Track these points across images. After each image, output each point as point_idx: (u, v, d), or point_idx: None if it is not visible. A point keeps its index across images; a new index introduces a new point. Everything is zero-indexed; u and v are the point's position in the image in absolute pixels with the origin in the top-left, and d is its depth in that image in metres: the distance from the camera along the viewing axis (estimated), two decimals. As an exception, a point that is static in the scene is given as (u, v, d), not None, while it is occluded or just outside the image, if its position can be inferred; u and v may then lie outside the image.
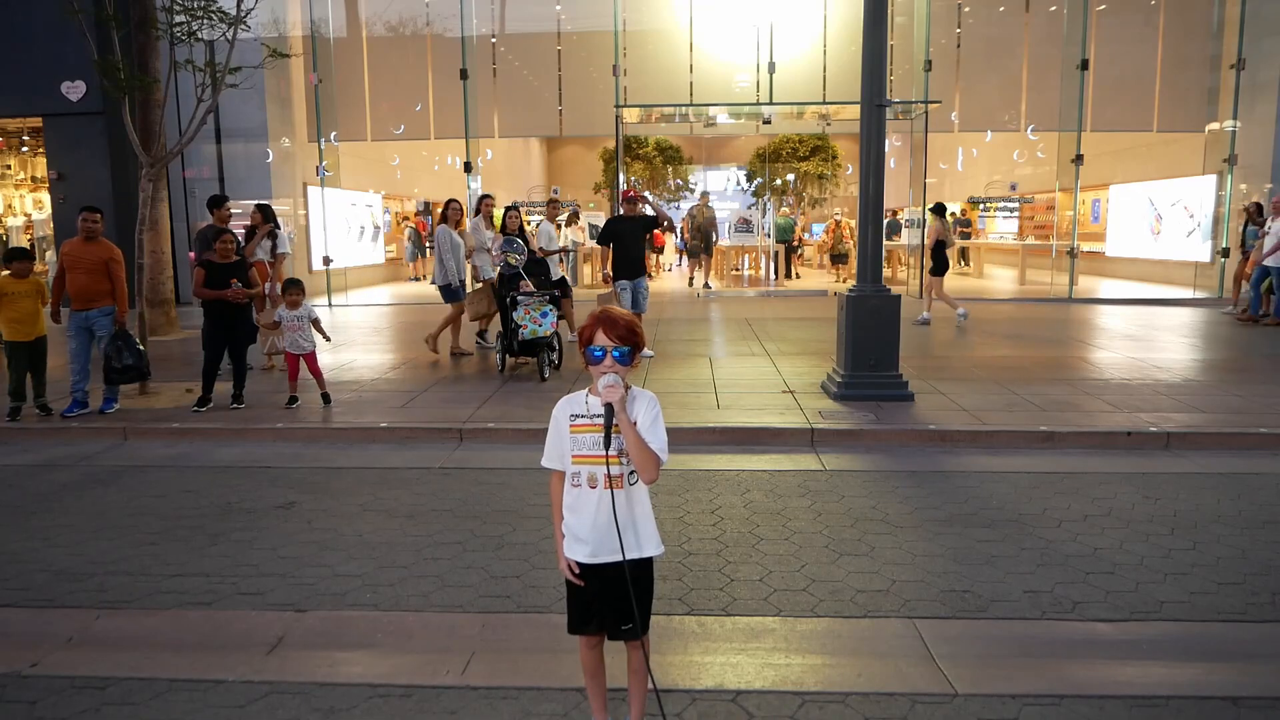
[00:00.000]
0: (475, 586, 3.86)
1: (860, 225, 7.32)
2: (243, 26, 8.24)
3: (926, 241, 11.90)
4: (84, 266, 6.88)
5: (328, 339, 7.48)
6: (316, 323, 7.34)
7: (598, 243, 10.78)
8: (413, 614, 3.62)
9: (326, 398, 7.28)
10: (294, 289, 7.30)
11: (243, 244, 9.00)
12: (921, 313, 11.93)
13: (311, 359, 7.28)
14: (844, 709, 2.88)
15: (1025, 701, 2.90)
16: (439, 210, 11.23)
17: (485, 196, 10.12)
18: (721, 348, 10.05)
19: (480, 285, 9.88)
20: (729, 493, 5.13)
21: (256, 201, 10.04)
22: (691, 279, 18.49)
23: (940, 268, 11.62)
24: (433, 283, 9.94)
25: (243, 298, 7.05)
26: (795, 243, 20.66)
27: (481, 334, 10.34)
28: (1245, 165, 15.13)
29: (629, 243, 9.22)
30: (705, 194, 18.74)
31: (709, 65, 16.01)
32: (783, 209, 21.37)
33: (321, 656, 3.27)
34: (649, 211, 9.48)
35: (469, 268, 10.01)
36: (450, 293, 9.52)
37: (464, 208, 9.82)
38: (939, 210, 11.89)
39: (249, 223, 9.37)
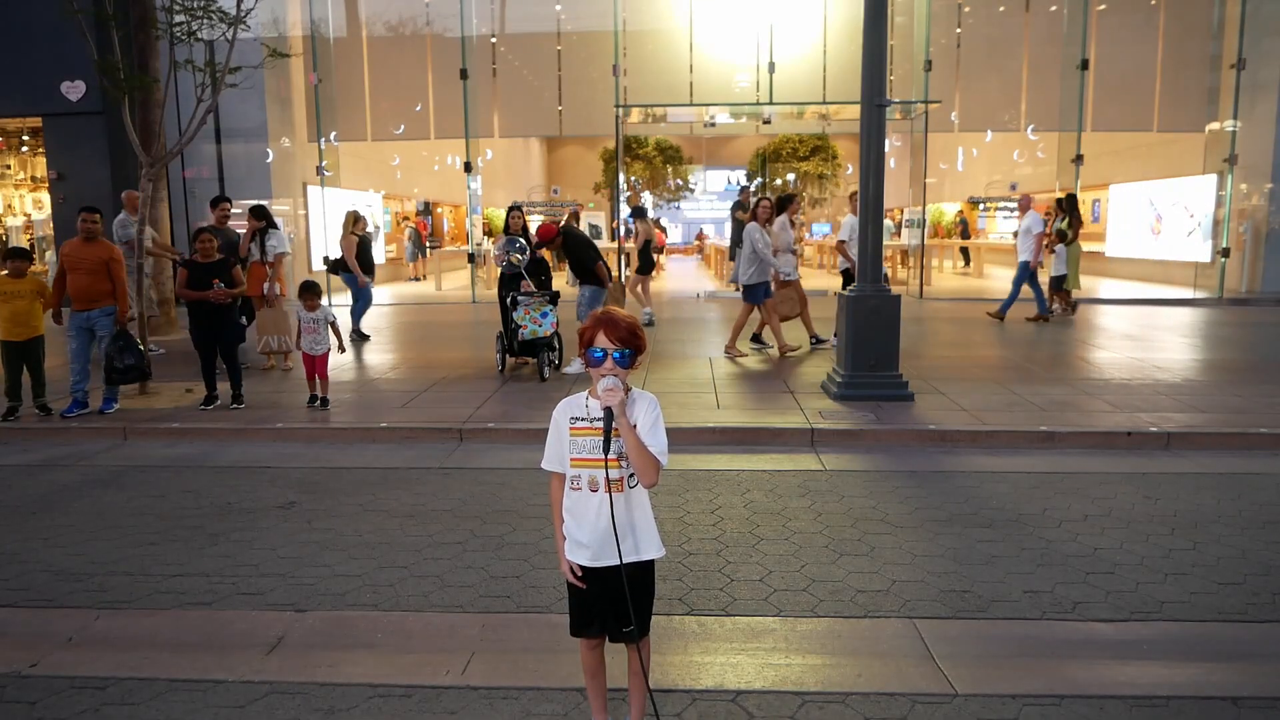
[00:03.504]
0: (475, 586, 3.86)
1: (860, 225, 7.32)
2: (243, 26, 8.23)
3: (635, 244, 12.35)
4: (85, 267, 6.87)
5: (342, 349, 7.40)
6: (333, 325, 7.32)
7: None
8: (413, 614, 3.62)
9: (325, 402, 7.17)
10: (310, 293, 7.26)
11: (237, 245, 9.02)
12: (643, 310, 12.27)
13: (322, 361, 7.22)
14: (844, 709, 2.88)
15: (1025, 701, 2.90)
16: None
17: (790, 197, 9.98)
18: (721, 348, 10.04)
19: (786, 286, 9.68)
20: (729, 493, 5.13)
21: (254, 202, 10.04)
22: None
23: (646, 267, 12.21)
24: (732, 279, 9.71)
25: (224, 298, 7.01)
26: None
27: (756, 336, 9.99)
28: (1245, 165, 15.15)
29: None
30: (745, 189, 17.37)
31: (709, 65, 16.01)
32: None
33: (321, 656, 3.27)
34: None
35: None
36: (757, 292, 9.19)
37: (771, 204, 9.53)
38: (641, 213, 12.43)
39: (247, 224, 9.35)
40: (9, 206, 17.58)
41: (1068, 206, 12.86)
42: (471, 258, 16.86)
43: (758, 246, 9.08)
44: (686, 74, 15.77)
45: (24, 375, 6.95)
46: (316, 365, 7.19)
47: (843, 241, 10.18)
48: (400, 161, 20.69)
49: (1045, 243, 12.19)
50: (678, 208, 28.24)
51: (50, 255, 15.95)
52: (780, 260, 9.47)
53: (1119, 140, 17.67)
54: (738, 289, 9.97)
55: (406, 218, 22.07)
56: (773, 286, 9.41)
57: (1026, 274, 11.89)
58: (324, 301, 7.44)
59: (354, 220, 10.90)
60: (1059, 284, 12.61)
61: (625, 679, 2.71)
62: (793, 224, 10.03)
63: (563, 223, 10.80)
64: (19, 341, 6.82)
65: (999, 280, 19.55)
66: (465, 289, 16.84)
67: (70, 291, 6.91)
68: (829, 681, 3.05)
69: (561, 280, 10.06)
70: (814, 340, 10.03)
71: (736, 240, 16.14)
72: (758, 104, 16.17)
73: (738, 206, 15.59)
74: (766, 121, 18.00)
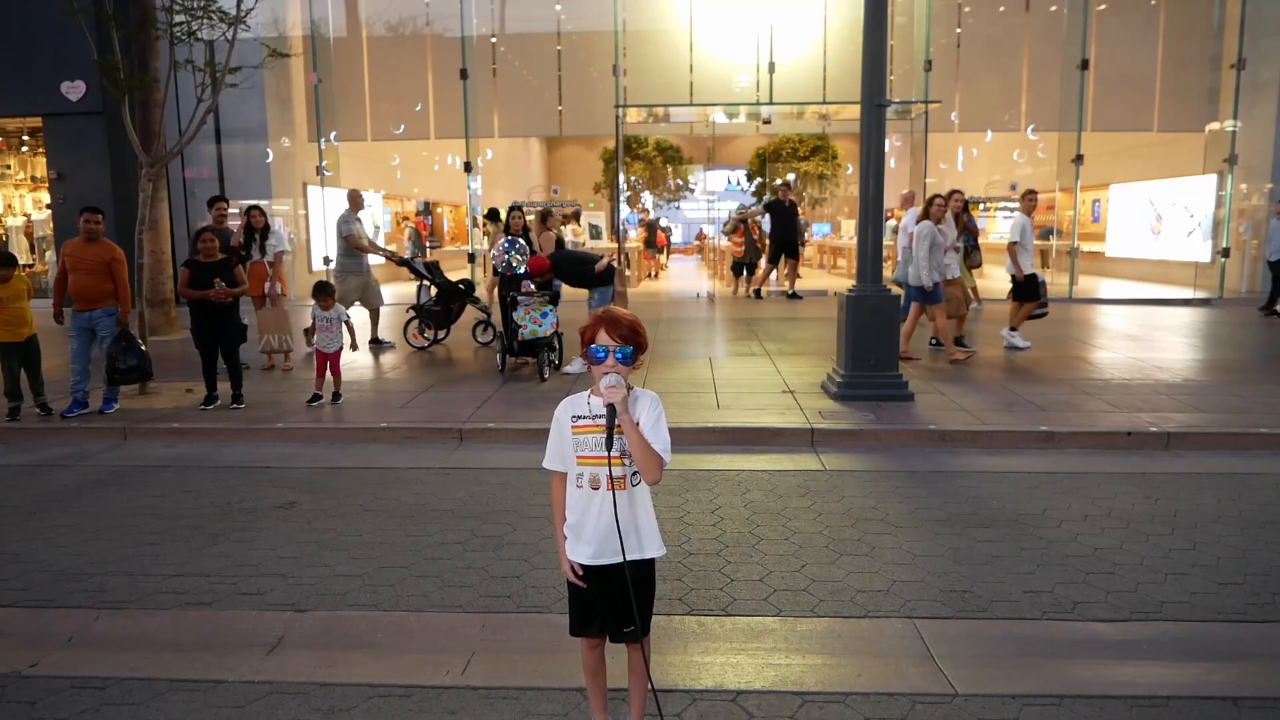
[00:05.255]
0: (475, 586, 3.86)
1: (860, 225, 7.32)
2: (243, 26, 8.24)
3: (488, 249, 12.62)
4: (86, 267, 6.87)
5: (354, 347, 7.49)
6: (347, 324, 7.41)
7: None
8: (413, 614, 3.62)
9: (337, 396, 7.35)
10: (325, 294, 7.34)
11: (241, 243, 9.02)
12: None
13: (335, 358, 7.34)
14: (844, 709, 2.88)
15: (1025, 701, 2.90)
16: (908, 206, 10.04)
17: (956, 191, 9.56)
18: (721, 348, 10.05)
19: (949, 285, 9.26)
20: (729, 493, 5.13)
21: (252, 202, 10.04)
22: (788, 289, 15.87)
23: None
24: (896, 280, 9.39)
25: (225, 297, 7.02)
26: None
27: (959, 339, 9.70)
28: (1245, 165, 15.15)
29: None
30: (786, 185, 16.32)
31: (709, 65, 16.00)
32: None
33: (321, 656, 3.27)
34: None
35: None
36: (929, 294, 8.84)
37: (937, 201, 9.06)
38: (494, 215, 12.44)
39: (251, 223, 9.32)
40: (9, 206, 17.57)
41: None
42: (471, 257, 16.87)
43: (920, 248, 8.71)
44: (686, 74, 15.76)
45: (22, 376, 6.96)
46: (330, 362, 7.25)
47: (1014, 244, 9.56)
48: (400, 161, 20.69)
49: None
50: (678, 208, 28.19)
51: (50, 255, 15.95)
52: (946, 257, 9.07)
53: (1119, 140, 17.66)
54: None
55: (406, 218, 22.04)
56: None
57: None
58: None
59: (546, 216, 11.00)
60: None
61: (625, 679, 2.71)
62: (956, 219, 9.66)
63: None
64: (17, 342, 6.83)
65: (998, 280, 19.52)
66: (465, 289, 16.83)
67: (71, 291, 6.90)
68: (829, 681, 3.05)
69: None
70: (956, 342, 9.60)
71: (780, 236, 15.54)
72: (757, 104, 16.16)
73: (774, 205, 15.16)
74: (766, 121, 17.99)
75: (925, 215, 8.91)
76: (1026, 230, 9.68)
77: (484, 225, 12.90)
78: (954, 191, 9.52)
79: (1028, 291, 9.62)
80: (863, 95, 7.01)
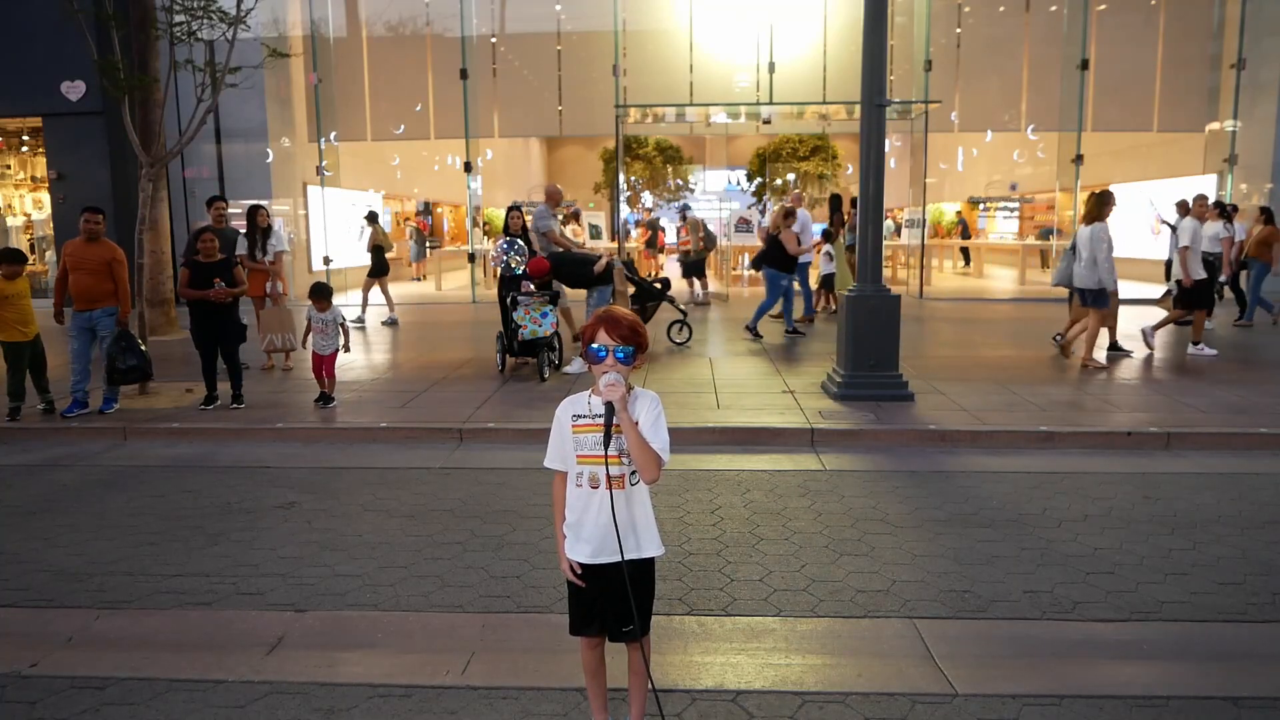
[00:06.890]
0: (475, 586, 3.86)
1: (860, 225, 7.32)
2: (243, 26, 8.24)
3: (368, 246, 12.80)
4: (87, 267, 6.87)
5: (347, 349, 7.45)
6: (343, 326, 7.37)
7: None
8: (413, 614, 3.62)
9: (329, 399, 7.28)
10: (322, 295, 7.31)
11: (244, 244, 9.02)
12: (389, 314, 12.84)
13: (330, 360, 7.30)
14: (844, 709, 2.88)
15: (1025, 701, 2.90)
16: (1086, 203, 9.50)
17: (1108, 193, 9.31)
18: (721, 347, 10.05)
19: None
20: (729, 493, 5.13)
21: (253, 202, 10.03)
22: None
23: (379, 269, 12.63)
24: (1057, 283, 9.34)
25: (225, 297, 7.01)
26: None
27: (1114, 344, 9.63)
28: (1245, 165, 15.16)
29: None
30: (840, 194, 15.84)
31: (709, 65, 16.01)
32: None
33: (321, 656, 3.27)
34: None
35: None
36: (1102, 297, 8.80)
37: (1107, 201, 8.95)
38: (373, 218, 12.82)
39: (258, 221, 9.29)
40: (9, 206, 17.57)
41: (831, 207, 12.95)
42: (471, 257, 16.87)
43: (1100, 251, 8.55)
44: (686, 74, 15.76)
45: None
46: (325, 364, 7.24)
47: (1186, 248, 9.20)
48: (400, 161, 20.69)
49: (814, 244, 12.57)
50: (677, 207, 28.17)
51: (50, 255, 15.94)
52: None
53: (1119, 140, 17.66)
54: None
55: (408, 218, 22.05)
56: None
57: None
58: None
59: (790, 214, 11.03)
60: (829, 284, 12.93)
61: (625, 679, 2.71)
62: (845, 217, 9.58)
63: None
64: (25, 341, 6.84)
65: (999, 280, 19.55)
66: (465, 289, 16.85)
67: (72, 291, 6.91)
68: (829, 681, 3.05)
69: None
70: (1113, 348, 9.56)
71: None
72: (757, 104, 16.16)
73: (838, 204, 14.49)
74: (766, 121, 17.99)
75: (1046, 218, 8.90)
76: (1198, 234, 9.35)
77: (363, 226, 13.11)
78: (1106, 191, 9.37)
79: (1201, 298, 9.37)
80: (863, 95, 7.01)
